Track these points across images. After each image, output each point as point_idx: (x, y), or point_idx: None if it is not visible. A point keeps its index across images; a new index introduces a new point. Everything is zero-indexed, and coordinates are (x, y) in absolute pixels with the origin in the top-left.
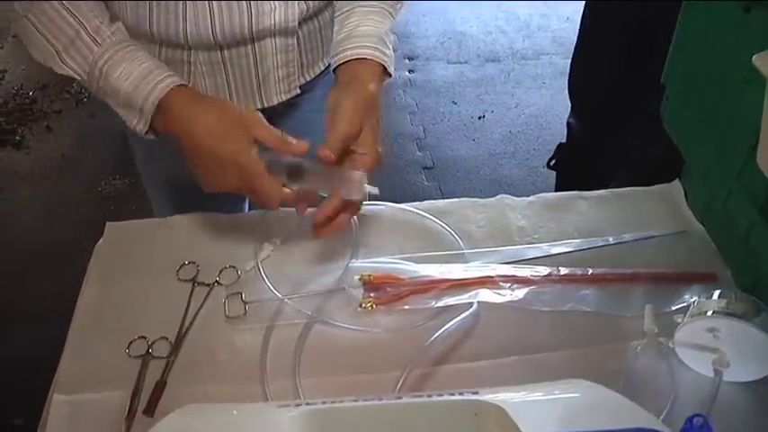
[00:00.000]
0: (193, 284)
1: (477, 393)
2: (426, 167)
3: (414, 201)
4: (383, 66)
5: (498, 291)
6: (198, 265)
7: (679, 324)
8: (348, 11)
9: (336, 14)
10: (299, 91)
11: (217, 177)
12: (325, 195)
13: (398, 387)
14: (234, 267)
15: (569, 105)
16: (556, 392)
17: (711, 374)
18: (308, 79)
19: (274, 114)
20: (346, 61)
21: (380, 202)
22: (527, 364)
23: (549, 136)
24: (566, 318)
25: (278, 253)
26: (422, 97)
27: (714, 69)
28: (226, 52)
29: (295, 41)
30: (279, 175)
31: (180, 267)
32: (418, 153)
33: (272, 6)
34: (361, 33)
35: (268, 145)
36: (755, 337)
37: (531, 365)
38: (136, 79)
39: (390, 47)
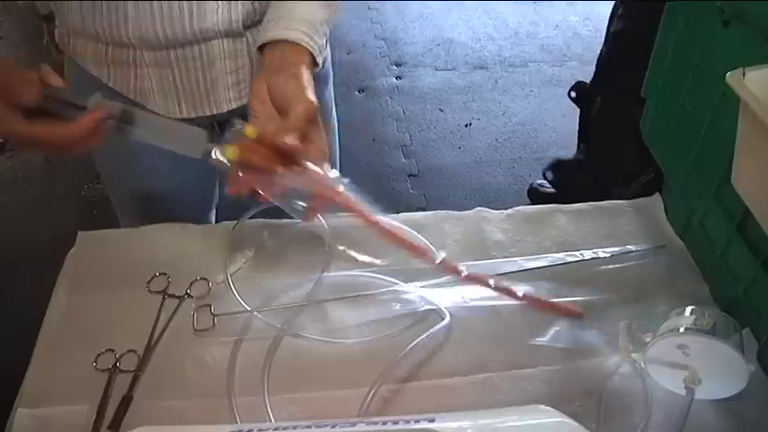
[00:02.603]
0: (164, 296)
1: (433, 421)
2: (412, 175)
3: (398, 208)
4: (312, 54)
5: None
6: (169, 277)
7: (649, 342)
8: None
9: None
10: None
11: None
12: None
13: (365, 406)
14: (205, 279)
15: (556, 113)
16: (512, 420)
17: (683, 392)
18: None
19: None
20: (274, 41)
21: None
22: (499, 381)
23: (536, 144)
24: (540, 334)
25: (250, 265)
26: (408, 104)
27: (692, 84)
28: (172, 53)
29: (245, 47)
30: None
31: (151, 279)
32: (404, 160)
33: (215, 4)
34: (293, 17)
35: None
36: (725, 353)
37: (504, 383)
38: None
39: (324, 38)
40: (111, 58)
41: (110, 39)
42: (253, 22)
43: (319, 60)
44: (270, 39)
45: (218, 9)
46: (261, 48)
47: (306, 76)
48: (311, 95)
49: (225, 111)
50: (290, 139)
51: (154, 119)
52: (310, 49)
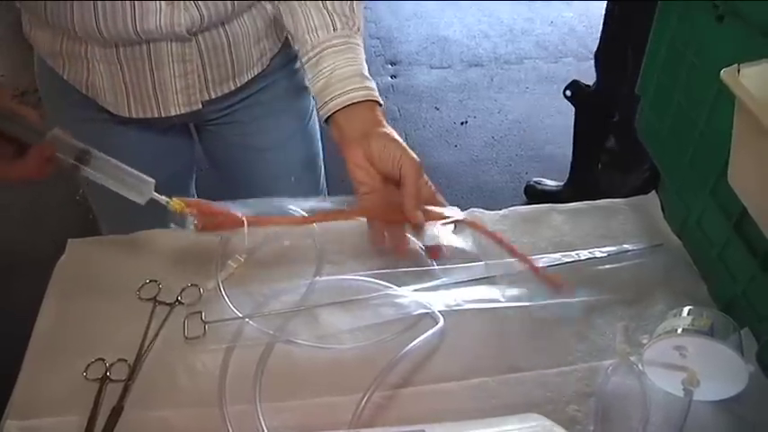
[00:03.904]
0: (154, 304)
1: None
2: None
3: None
4: (377, 102)
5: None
6: (160, 284)
7: (646, 343)
8: (316, 55)
9: (303, 59)
10: (200, 106)
11: None
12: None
13: (358, 413)
14: (196, 286)
15: (552, 110)
16: (502, 430)
17: (682, 394)
18: (214, 96)
19: (206, 121)
20: (341, 109)
21: None
22: (495, 385)
23: (532, 142)
24: (536, 336)
25: (242, 270)
26: (404, 103)
27: (687, 80)
28: (121, 51)
29: (195, 52)
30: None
31: (141, 286)
32: None
33: (157, 7)
34: (342, 76)
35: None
36: (723, 354)
37: (499, 387)
38: None
39: (370, 78)
40: (65, 51)
41: (59, 29)
42: (201, 29)
43: (380, 100)
44: (336, 108)
45: (159, 12)
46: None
47: (395, 132)
48: (412, 153)
49: (173, 114)
50: (420, 217)
51: (107, 162)
52: (376, 99)
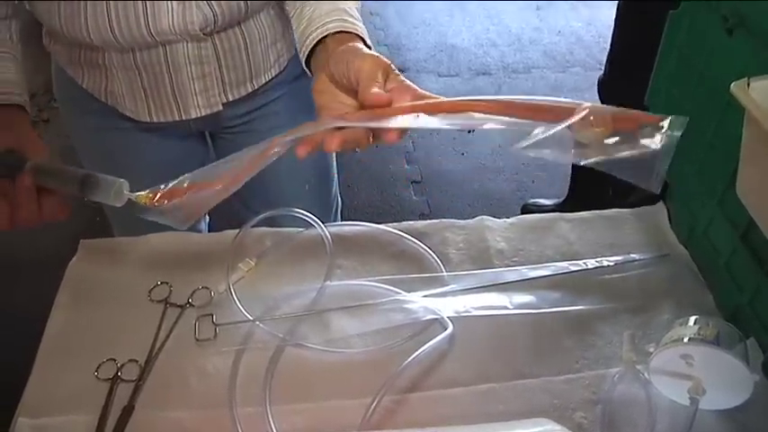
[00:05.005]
0: (165, 305)
1: None
2: (415, 181)
3: (401, 215)
4: (357, 34)
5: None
6: (171, 286)
7: (652, 352)
8: (300, 6)
9: (291, 16)
10: (220, 107)
11: None
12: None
13: (367, 417)
14: (207, 288)
15: None
16: None
17: (688, 403)
18: (232, 98)
19: (223, 129)
20: (315, 45)
21: (359, 222)
22: (502, 391)
23: None
24: (543, 343)
25: (252, 274)
26: None
27: (697, 91)
28: (138, 56)
29: (211, 53)
30: (68, 184)
31: (153, 288)
32: (407, 167)
33: (168, 7)
34: (319, 14)
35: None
36: (729, 363)
37: (507, 394)
38: None
39: (358, 19)
40: (83, 60)
41: (73, 38)
42: (216, 29)
43: (368, 40)
44: (310, 46)
45: (171, 11)
46: (308, 64)
47: (360, 44)
48: (373, 52)
49: (194, 117)
50: (377, 92)
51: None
52: (354, 31)
